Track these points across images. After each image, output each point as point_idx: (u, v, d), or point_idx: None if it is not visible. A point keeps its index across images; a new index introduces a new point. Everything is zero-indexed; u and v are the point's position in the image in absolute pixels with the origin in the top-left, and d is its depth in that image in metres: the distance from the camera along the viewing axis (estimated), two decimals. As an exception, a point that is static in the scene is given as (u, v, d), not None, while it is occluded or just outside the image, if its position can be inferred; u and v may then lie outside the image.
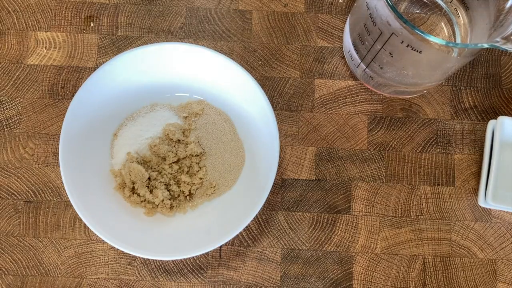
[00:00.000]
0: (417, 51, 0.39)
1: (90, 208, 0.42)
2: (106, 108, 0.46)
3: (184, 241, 0.43)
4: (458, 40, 0.48)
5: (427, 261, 0.48)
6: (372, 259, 0.48)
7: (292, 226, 0.48)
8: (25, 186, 0.48)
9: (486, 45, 0.36)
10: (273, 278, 0.47)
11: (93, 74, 0.44)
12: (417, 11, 0.50)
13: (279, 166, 0.49)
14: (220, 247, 0.48)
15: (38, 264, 0.47)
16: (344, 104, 0.51)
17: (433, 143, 0.50)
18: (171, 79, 0.47)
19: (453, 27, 0.49)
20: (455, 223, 0.49)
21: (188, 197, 0.46)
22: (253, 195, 0.43)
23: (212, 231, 0.44)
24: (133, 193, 0.46)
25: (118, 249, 0.44)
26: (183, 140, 0.47)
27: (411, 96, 0.51)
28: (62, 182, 0.48)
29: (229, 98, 0.47)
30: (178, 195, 0.46)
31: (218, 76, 0.46)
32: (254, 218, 0.45)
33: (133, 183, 0.46)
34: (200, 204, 0.47)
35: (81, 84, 0.44)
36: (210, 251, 0.47)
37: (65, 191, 0.47)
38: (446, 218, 0.49)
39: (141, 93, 0.47)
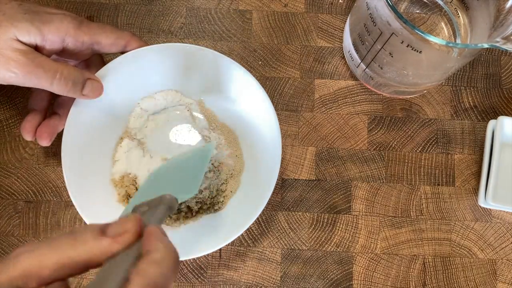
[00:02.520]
0: (417, 51, 0.39)
1: (91, 208, 0.42)
2: (108, 109, 0.46)
3: (185, 243, 0.43)
4: (458, 40, 0.48)
5: (427, 261, 0.48)
6: (372, 259, 0.48)
7: (292, 226, 0.48)
8: (25, 186, 0.48)
9: (486, 45, 0.36)
10: (273, 278, 0.47)
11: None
12: (417, 11, 0.50)
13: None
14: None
15: (38, 264, 0.47)
16: (344, 104, 0.51)
17: (433, 143, 0.50)
18: (171, 80, 0.47)
19: (453, 27, 0.49)
20: (455, 223, 0.49)
21: (195, 214, 0.46)
22: (255, 197, 0.43)
23: (213, 233, 0.43)
24: None
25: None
26: None
27: (411, 96, 0.51)
28: (62, 182, 0.48)
29: (231, 99, 0.47)
30: (186, 212, 0.46)
31: (219, 77, 0.46)
32: (254, 218, 0.45)
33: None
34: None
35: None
36: (210, 251, 0.47)
37: (65, 191, 0.47)
38: (446, 218, 0.49)
39: (141, 92, 0.47)
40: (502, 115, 0.50)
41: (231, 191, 0.46)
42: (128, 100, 0.47)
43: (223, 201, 0.46)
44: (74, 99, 0.42)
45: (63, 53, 0.41)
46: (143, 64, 0.45)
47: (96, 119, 0.45)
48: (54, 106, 0.44)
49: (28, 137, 0.42)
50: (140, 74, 0.46)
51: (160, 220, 0.30)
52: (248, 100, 0.46)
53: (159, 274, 0.24)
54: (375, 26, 0.41)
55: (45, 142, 0.42)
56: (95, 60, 0.45)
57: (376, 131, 0.50)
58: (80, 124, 0.43)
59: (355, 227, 0.48)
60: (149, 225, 0.27)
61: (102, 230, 0.26)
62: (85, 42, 0.40)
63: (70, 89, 0.39)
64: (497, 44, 0.36)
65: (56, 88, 0.38)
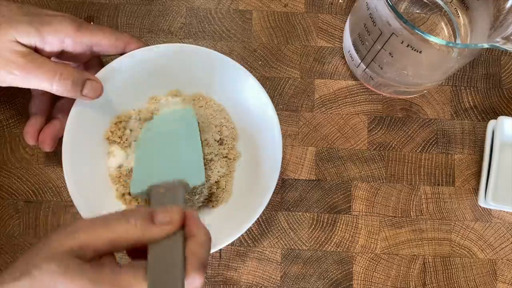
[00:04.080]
0: (417, 51, 0.39)
1: (91, 208, 0.42)
2: (108, 110, 0.45)
3: None
4: (458, 40, 0.48)
5: (427, 261, 0.48)
6: (372, 259, 0.48)
7: (292, 226, 0.48)
8: (25, 186, 0.48)
9: (486, 45, 0.36)
10: (273, 278, 0.47)
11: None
12: (417, 11, 0.50)
13: (279, 166, 0.49)
14: (220, 247, 0.47)
15: (38, 264, 0.47)
16: (344, 104, 0.51)
17: (433, 143, 0.50)
18: (171, 80, 0.47)
19: (453, 27, 0.49)
20: (455, 223, 0.49)
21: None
22: (255, 197, 0.43)
23: (213, 233, 0.43)
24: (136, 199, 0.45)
25: (118, 249, 0.44)
26: None
27: (411, 96, 0.51)
28: (62, 182, 0.48)
29: (231, 99, 0.47)
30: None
31: (219, 78, 0.46)
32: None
33: None
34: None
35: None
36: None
37: (65, 191, 0.47)
38: (446, 218, 0.49)
39: (141, 93, 0.47)
40: (502, 115, 0.49)
41: (229, 190, 0.46)
42: (127, 100, 0.46)
43: (221, 196, 0.46)
44: (73, 103, 0.42)
45: (62, 56, 0.41)
46: (142, 64, 0.45)
47: (96, 119, 0.45)
48: (54, 111, 0.44)
49: (31, 141, 0.43)
50: (139, 75, 0.46)
51: (185, 202, 0.36)
52: (248, 100, 0.46)
53: (205, 253, 0.31)
54: (375, 26, 0.41)
55: (47, 148, 0.43)
56: (94, 63, 0.45)
57: (376, 131, 0.50)
58: (80, 124, 0.43)
59: (355, 227, 0.48)
60: (180, 207, 0.33)
61: (151, 217, 0.31)
62: (84, 44, 0.40)
63: (70, 89, 0.39)
64: (497, 44, 0.36)
65: (56, 88, 0.38)
